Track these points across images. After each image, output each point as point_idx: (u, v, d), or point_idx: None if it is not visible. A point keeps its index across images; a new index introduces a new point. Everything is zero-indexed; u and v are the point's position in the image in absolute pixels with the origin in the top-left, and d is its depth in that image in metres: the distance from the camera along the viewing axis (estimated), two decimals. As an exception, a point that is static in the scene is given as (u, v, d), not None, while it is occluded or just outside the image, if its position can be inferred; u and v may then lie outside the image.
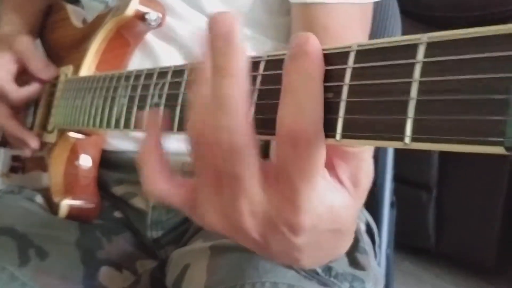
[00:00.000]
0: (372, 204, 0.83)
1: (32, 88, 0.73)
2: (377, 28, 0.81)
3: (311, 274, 0.52)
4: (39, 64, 0.74)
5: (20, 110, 0.76)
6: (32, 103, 0.79)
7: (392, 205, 0.87)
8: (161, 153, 0.34)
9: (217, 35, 0.29)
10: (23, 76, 0.74)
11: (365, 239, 0.63)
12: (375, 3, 0.61)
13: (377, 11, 0.79)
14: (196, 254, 0.59)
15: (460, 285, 1.70)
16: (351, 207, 0.32)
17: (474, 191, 1.59)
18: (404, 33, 0.87)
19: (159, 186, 0.34)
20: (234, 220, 0.31)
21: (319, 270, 0.52)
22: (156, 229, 0.70)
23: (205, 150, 0.30)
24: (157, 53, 0.68)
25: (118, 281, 0.65)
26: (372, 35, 0.64)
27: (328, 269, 0.53)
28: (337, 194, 0.31)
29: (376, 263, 0.65)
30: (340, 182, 0.31)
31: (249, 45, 0.66)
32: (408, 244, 1.70)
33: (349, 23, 0.58)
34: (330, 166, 0.31)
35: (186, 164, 0.64)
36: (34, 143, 0.73)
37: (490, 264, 1.65)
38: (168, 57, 0.67)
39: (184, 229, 0.69)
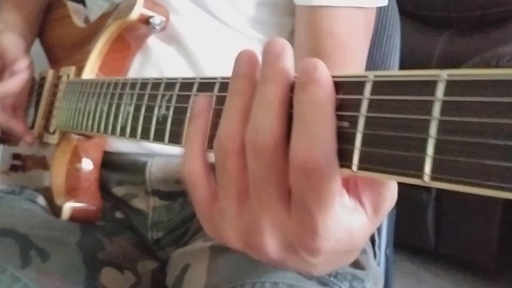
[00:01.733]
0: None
1: (8, 83, 0.72)
2: (376, 28, 0.82)
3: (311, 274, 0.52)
4: (12, 56, 0.72)
5: (14, 107, 0.75)
6: (32, 103, 0.79)
7: (391, 205, 0.87)
8: (205, 137, 0.34)
9: (270, 50, 0.30)
10: (4, 73, 0.74)
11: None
12: (376, 7, 0.61)
13: (377, 12, 0.79)
14: (196, 254, 0.59)
15: (459, 285, 1.70)
16: (368, 230, 0.32)
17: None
18: (403, 33, 0.88)
19: (197, 168, 0.33)
20: (253, 239, 0.31)
21: None
22: (157, 230, 0.70)
23: (231, 159, 0.30)
24: (159, 54, 0.68)
25: (119, 282, 0.65)
26: (372, 36, 0.64)
27: None
28: (355, 217, 0.31)
29: (375, 263, 0.66)
30: (361, 203, 0.31)
31: (254, 45, 0.66)
32: (407, 244, 1.71)
33: (353, 27, 0.59)
34: (353, 188, 0.31)
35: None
36: (18, 128, 0.74)
37: (490, 264, 1.65)
38: (169, 59, 0.67)
39: (184, 230, 0.70)
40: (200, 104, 0.35)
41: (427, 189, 1.67)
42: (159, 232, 0.70)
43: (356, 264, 0.56)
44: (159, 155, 0.68)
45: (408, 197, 1.60)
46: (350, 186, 0.30)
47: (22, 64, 0.72)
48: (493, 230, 1.58)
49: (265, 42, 0.30)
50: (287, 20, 0.66)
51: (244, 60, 0.32)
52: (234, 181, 0.31)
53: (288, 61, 0.29)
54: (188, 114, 0.38)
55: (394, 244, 0.88)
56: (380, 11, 0.83)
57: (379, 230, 0.83)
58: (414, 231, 1.71)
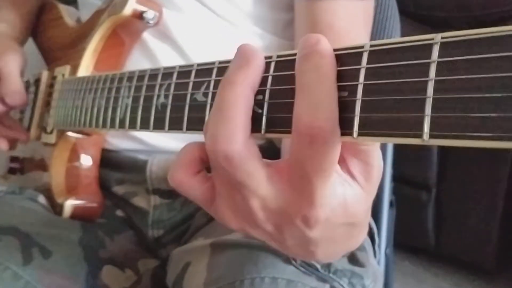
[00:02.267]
0: (372, 203, 0.84)
1: None
2: (376, 28, 0.82)
3: (310, 270, 0.52)
4: (11, 87, 0.71)
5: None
6: (29, 103, 0.79)
7: (391, 204, 0.87)
8: (199, 150, 0.34)
9: (239, 54, 0.31)
10: None
11: (365, 238, 0.63)
12: (375, 1, 0.61)
13: (377, 12, 0.80)
14: (196, 252, 0.60)
15: (459, 285, 1.70)
16: (363, 200, 0.32)
17: (473, 190, 1.59)
18: (403, 33, 0.88)
19: (182, 177, 0.34)
20: (247, 215, 0.32)
21: (319, 266, 0.53)
22: (158, 228, 0.70)
23: (215, 155, 0.31)
24: (153, 51, 0.68)
25: (120, 280, 0.65)
26: (372, 36, 0.65)
27: (327, 265, 0.53)
28: (349, 188, 0.31)
29: (375, 261, 0.66)
30: (352, 176, 0.32)
31: (252, 40, 0.67)
32: (407, 243, 1.71)
33: (353, 20, 0.59)
34: (341, 161, 0.31)
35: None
36: (23, 136, 0.74)
37: (490, 264, 1.65)
38: (164, 54, 0.68)
39: (185, 228, 0.70)
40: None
41: (427, 188, 1.67)
42: (159, 231, 0.71)
43: (356, 261, 0.56)
44: (160, 153, 0.69)
45: (408, 197, 1.61)
46: (339, 161, 0.31)
47: (17, 101, 0.71)
48: (493, 230, 1.58)
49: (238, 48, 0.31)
50: (283, 15, 0.67)
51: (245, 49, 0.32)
52: (219, 164, 0.31)
53: (255, 67, 0.30)
54: (187, 100, 0.38)
55: (394, 244, 0.88)
56: (380, 11, 0.84)
57: (379, 230, 0.83)
58: (414, 231, 1.71)
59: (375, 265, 0.61)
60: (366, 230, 0.38)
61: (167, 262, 0.67)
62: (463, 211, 1.64)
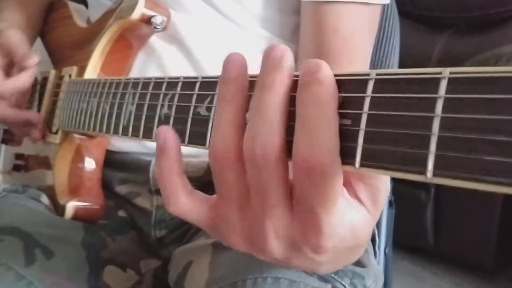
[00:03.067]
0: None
1: (19, 79, 0.71)
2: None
3: None
4: (22, 51, 0.72)
5: (18, 104, 0.75)
6: (34, 103, 0.79)
7: (391, 204, 0.88)
8: (180, 168, 0.33)
9: (269, 57, 0.29)
10: (13, 69, 0.73)
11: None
12: (381, 6, 0.61)
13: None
14: (198, 251, 0.60)
15: (458, 285, 1.71)
16: (370, 224, 0.32)
17: (472, 190, 1.59)
18: (403, 33, 0.88)
19: (180, 201, 0.33)
20: (257, 242, 0.32)
21: None
22: (160, 228, 0.71)
23: (228, 168, 0.30)
24: (161, 54, 0.68)
25: (122, 281, 0.65)
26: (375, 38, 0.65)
27: None
28: (356, 214, 0.31)
29: (375, 261, 0.66)
30: (359, 200, 0.31)
31: (260, 43, 0.67)
32: (406, 243, 1.71)
33: (359, 25, 0.59)
34: (348, 186, 0.31)
35: (190, 166, 0.65)
36: (35, 117, 0.74)
37: (489, 263, 1.65)
38: (171, 58, 0.68)
39: (187, 228, 0.70)
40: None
41: (427, 189, 1.67)
42: (162, 231, 0.71)
43: (357, 262, 0.56)
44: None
45: (407, 197, 1.61)
46: (346, 185, 0.31)
47: (33, 60, 0.71)
48: (492, 229, 1.58)
49: (265, 48, 0.30)
50: (291, 18, 0.67)
51: (232, 64, 0.31)
52: (234, 189, 0.31)
53: (288, 68, 0.29)
54: (191, 113, 0.38)
55: (394, 243, 0.88)
56: (380, 11, 0.84)
57: (379, 230, 0.83)
58: (413, 230, 1.71)
59: (376, 265, 0.61)
60: (367, 245, 0.38)
61: (169, 262, 0.67)
62: (462, 211, 1.64)
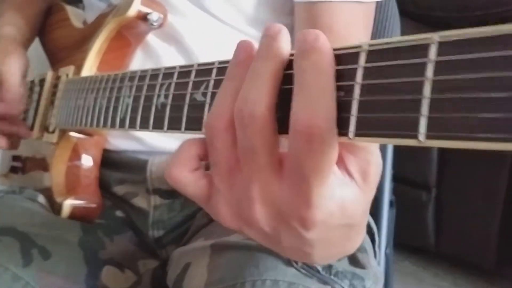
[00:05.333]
0: (372, 203, 0.84)
1: None
2: (376, 28, 0.82)
3: (312, 272, 0.52)
4: (8, 95, 0.71)
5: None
6: (31, 105, 0.79)
7: (391, 204, 0.87)
8: (197, 147, 0.34)
9: (267, 33, 0.31)
10: None
11: (365, 238, 0.63)
12: (376, 3, 0.61)
13: (377, 12, 0.80)
14: (197, 253, 0.60)
15: (459, 285, 1.71)
16: (361, 200, 0.32)
17: (473, 190, 1.59)
18: (403, 33, 0.88)
19: (180, 174, 0.34)
20: (244, 209, 0.32)
21: (320, 268, 0.53)
22: (158, 228, 0.70)
23: (219, 135, 0.31)
24: (158, 53, 0.68)
25: (120, 281, 0.65)
26: (372, 36, 0.65)
27: (328, 267, 0.53)
28: (347, 188, 0.31)
29: (376, 262, 0.66)
30: (349, 175, 0.31)
31: (256, 44, 0.67)
32: (407, 243, 1.71)
33: (353, 22, 0.59)
34: (339, 159, 0.31)
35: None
36: (24, 132, 0.74)
37: (490, 264, 1.65)
38: (169, 57, 0.68)
39: (185, 229, 0.70)
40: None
41: (428, 189, 1.67)
42: (159, 231, 0.70)
43: (357, 263, 0.56)
44: (160, 153, 0.68)
45: (407, 196, 1.61)
46: (337, 160, 0.30)
47: (14, 109, 0.72)
48: (493, 230, 1.58)
49: (263, 28, 0.31)
50: (286, 19, 0.67)
51: (241, 48, 0.32)
52: (224, 157, 0.31)
53: (283, 41, 0.30)
54: (187, 100, 0.38)
55: (394, 244, 0.88)
56: (380, 11, 0.84)
57: (379, 230, 0.83)
58: (414, 231, 1.71)
59: (376, 266, 0.61)
60: (364, 231, 0.37)
61: (167, 262, 0.67)
62: (463, 211, 1.64)
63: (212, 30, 0.67)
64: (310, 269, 0.52)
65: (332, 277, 0.53)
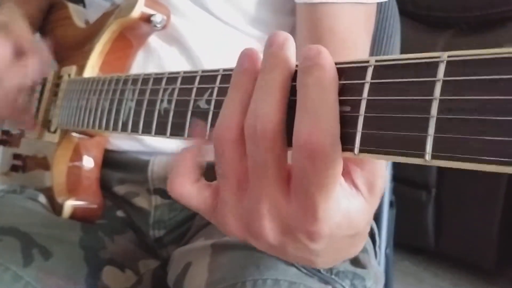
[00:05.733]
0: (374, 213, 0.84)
1: (26, 70, 0.70)
2: (376, 28, 0.82)
3: (312, 272, 0.52)
4: (33, 45, 0.72)
5: (18, 98, 0.75)
6: (33, 104, 0.79)
7: (391, 204, 0.87)
8: (195, 156, 0.34)
9: (273, 41, 0.30)
10: (20, 60, 0.72)
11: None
12: (377, 4, 0.61)
13: (377, 12, 0.79)
14: (197, 253, 0.60)
15: (459, 285, 1.71)
16: (366, 212, 0.32)
17: (473, 190, 1.59)
18: (403, 33, 0.88)
19: (182, 187, 0.34)
20: (252, 224, 0.32)
21: (320, 268, 0.53)
22: (159, 228, 0.70)
23: (228, 147, 0.31)
24: (160, 54, 0.68)
25: (121, 281, 0.65)
26: (372, 36, 0.65)
27: (329, 267, 0.53)
28: (353, 201, 0.31)
29: (376, 262, 0.66)
30: (356, 187, 0.31)
31: (257, 44, 0.67)
32: (407, 243, 1.71)
33: (354, 24, 0.59)
34: (345, 172, 0.31)
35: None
36: (31, 123, 0.75)
37: (490, 264, 1.65)
38: (171, 57, 0.68)
39: (186, 228, 0.70)
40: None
41: (428, 189, 1.67)
42: (160, 231, 0.70)
43: (357, 263, 0.56)
44: (161, 153, 0.68)
45: (408, 197, 1.61)
46: (342, 172, 0.31)
47: (44, 52, 0.72)
48: (493, 230, 1.58)
49: (268, 36, 0.31)
50: (287, 19, 0.67)
51: (246, 56, 0.32)
52: (233, 169, 0.31)
53: (290, 51, 0.30)
54: (190, 106, 0.38)
55: (394, 244, 0.88)
56: (380, 11, 0.84)
57: (379, 230, 0.83)
58: (414, 231, 1.71)
59: (376, 266, 0.61)
60: (366, 237, 0.38)
61: (168, 262, 0.67)
62: (463, 211, 1.64)
63: (213, 30, 0.67)
64: (311, 269, 0.52)
65: (333, 276, 0.53)
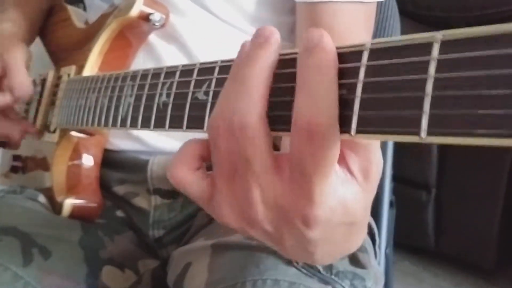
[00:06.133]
0: (372, 203, 0.84)
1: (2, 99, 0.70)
2: (376, 28, 0.82)
3: (312, 272, 0.52)
4: (18, 79, 0.70)
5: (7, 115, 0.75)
6: (33, 104, 0.79)
7: (391, 204, 0.87)
8: (198, 147, 0.34)
9: (259, 34, 0.31)
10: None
11: (366, 238, 0.63)
12: (376, 3, 0.61)
13: (377, 12, 0.80)
14: (197, 253, 0.60)
15: (459, 285, 1.71)
16: (362, 199, 0.32)
17: (473, 190, 1.59)
18: (403, 33, 0.88)
19: (182, 174, 0.34)
20: (246, 211, 0.32)
21: (320, 268, 0.53)
22: (158, 228, 0.70)
23: (221, 138, 0.31)
24: (160, 53, 0.68)
25: (120, 281, 0.65)
26: (372, 36, 0.65)
27: (329, 267, 0.53)
28: (348, 186, 0.31)
29: (376, 262, 0.66)
30: (351, 173, 0.31)
31: None
32: (407, 243, 1.71)
33: (354, 23, 0.59)
34: (340, 158, 0.31)
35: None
36: (31, 128, 0.74)
37: (490, 264, 1.65)
38: (171, 57, 0.68)
39: (185, 228, 0.70)
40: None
41: (427, 188, 1.67)
42: (160, 231, 0.70)
43: (357, 263, 0.56)
44: (161, 153, 0.68)
45: (408, 197, 1.61)
46: (338, 158, 0.31)
47: (23, 92, 0.70)
48: (493, 230, 1.58)
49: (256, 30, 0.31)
50: (286, 18, 0.67)
51: (245, 48, 0.32)
52: (226, 158, 0.31)
53: (273, 45, 0.30)
54: (189, 99, 0.38)
55: (394, 244, 0.88)
56: (380, 11, 0.84)
57: (379, 230, 0.83)
58: (414, 231, 1.71)
59: (376, 266, 0.61)
60: (365, 230, 0.37)
61: (168, 262, 0.67)
62: (463, 211, 1.64)
63: (212, 29, 0.67)
64: (311, 269, 0.52)
65: (333, 277, 0.53)
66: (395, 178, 0.90)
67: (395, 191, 0.90)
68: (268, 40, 0.30)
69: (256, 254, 0.53)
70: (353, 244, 0.37)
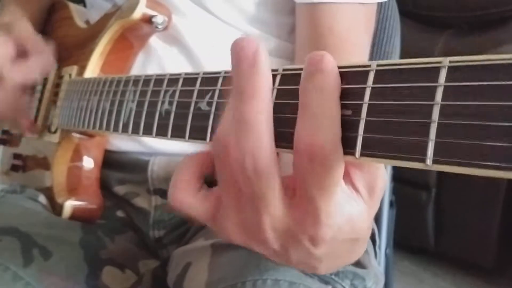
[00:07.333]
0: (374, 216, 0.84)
1: (29, 69, 0.71)
2: (376, 28, 0.82)
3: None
4: (36, 45, 0.72)
5: (19, 97, 0.75)
6: (34, 103, 0.79)
7: (391, 204, 0.88)
8: (196, 165, 0.34)
9: (241, 58, 0.29)
10: (22, 59, 0.72)
11: (366, 239, 0.63)
12: (377, 4, 0.61)
13: (377, 12, 0.80)
14: (197, 253, 0.60)
15: (459, 285, 1.71)
16: (367, 215, 0.32)
17: (473, 190, 1.59)
18: (403, 33, 0.88)
19: (183, 199, 0.34)
20: (255, 234, 0.32)
21: None
22: (159, 228, 0.70)
23: (229, 167, 0.30)
24: (160, 54, 0.68)
25: (120, 281, 0.65)
26: (372, 36, 0.65)
27: None
28: (354, 205, 0.31)
29: (376, 262, 0.66)
30: (356, 190, 0.31)
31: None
32: (407, 243, 1.71)
33: (354, 24, 0.59)
34: (345, 175, 0.31)
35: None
36: (28, 124, 0.75)
37: (490, 264, 1.65)
38: (171, 57, 0.68)
39: (185, 229, 0.70)
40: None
41: (427, 189, 1.67)
42: (160, 231, 0.70)
43: (358, 263, 0.56)
44: (161, 154, 0.68)
45: (408, 197, 1.61)
46: (343, 176, 0.31)
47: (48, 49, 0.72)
48: (493, 229, 1.59)
49: (232, 45, 0.30)
50: (286, 19, 0.67)
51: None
52: (233, 174, 0.31)
53: (266, 70, 0.29)
54: (191, 109, 0.38)
55: (394, 244, 0.88)
56: (380, 11, 0.84)
57: (379, 230, 0.83)
58: (414, 231, 1.71)
59: (377, 267, 0.61)
60: (367, 243, 0.38)
61: (168, 262, 0.67)
62: (463, 211, 1.64)
63: (213, 30, 0.67)
64: None
65: (333, 276, 0.53)
66: (395, 178, 0.90)
67: (395, 191, 0.90)
68: (257, 63, 0.29)
69: (256, 254, 0.53)
70: (356, 256, 0.37)
